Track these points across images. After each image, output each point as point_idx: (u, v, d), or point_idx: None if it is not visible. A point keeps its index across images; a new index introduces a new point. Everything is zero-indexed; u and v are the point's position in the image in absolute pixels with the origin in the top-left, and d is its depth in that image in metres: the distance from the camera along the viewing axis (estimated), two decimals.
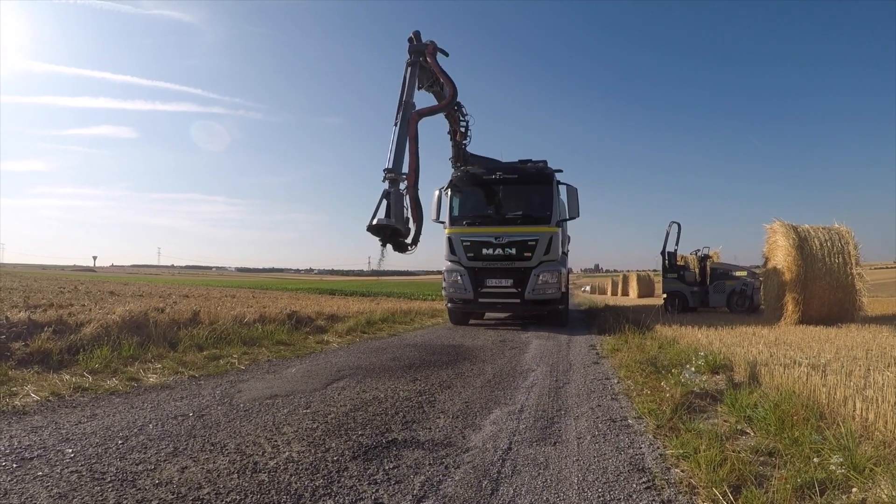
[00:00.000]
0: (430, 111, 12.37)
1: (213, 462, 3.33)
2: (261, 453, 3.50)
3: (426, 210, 11.92)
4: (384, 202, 10.59)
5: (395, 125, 11.22)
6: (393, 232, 10.66)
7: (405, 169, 11.02)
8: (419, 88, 12.83)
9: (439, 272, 13.63)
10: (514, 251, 12.36)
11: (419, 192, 11.39)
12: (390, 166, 10.71)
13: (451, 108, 13.03)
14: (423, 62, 12.44)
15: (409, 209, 11.08)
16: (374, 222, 10.43)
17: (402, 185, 10.88)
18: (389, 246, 11.03)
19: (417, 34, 12.57)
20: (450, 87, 12.67)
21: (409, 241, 11.24)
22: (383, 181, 10.72)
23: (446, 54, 12.97)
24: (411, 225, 11.17)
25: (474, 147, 14.81)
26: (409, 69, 12.11)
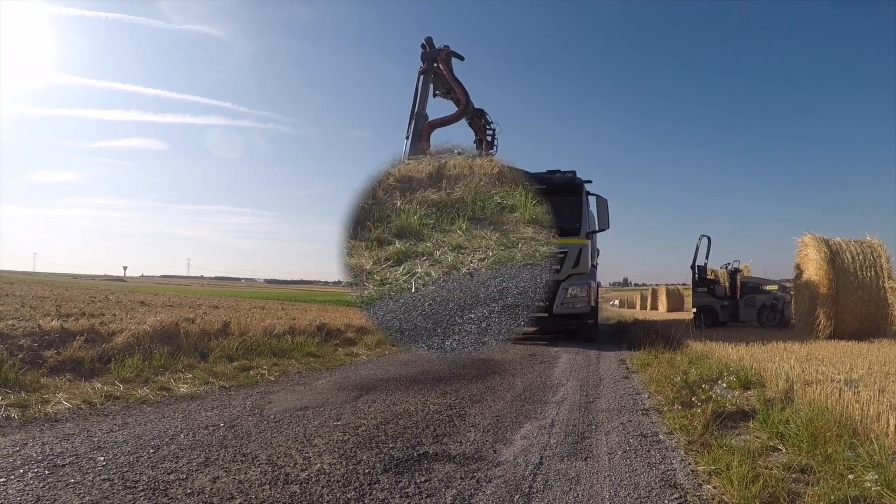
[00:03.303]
0: (443, 122, 11.90)
1: (245, 473, 3.37)
2: (292, 465, 3.54)
3: None
4: None
5: (407, 139, 10.92)
6: None
7: None
8: (435, 96, 12.48)
9: None
10: None
11: None
12: None
13: (464, 117, 12.56)
14: (437, 69, 12.09)
15: None
16: None
17: None
18: None
19: (430, 40, 12.16)
20: (462, 95, 12.13)
21: None
22: None
23: (461, 58, 12.52)
24: None
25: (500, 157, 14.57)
26: (422, 77, 11.79)
